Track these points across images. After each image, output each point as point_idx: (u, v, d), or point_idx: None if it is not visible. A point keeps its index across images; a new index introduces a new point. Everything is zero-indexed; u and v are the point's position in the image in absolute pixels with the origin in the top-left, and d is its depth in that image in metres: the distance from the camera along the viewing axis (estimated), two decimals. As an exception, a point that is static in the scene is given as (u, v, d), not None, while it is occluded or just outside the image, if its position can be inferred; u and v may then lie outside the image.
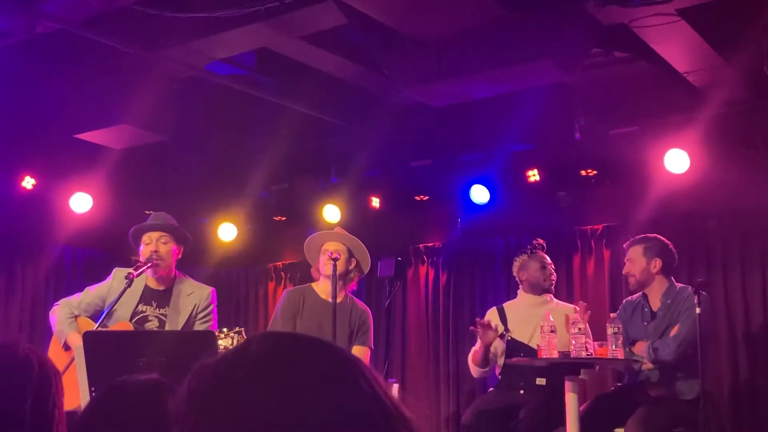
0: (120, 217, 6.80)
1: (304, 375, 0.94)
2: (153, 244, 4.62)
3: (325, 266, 4.78)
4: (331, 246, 4.85)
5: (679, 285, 4.80)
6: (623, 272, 4.93)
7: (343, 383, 0.94)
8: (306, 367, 0.95)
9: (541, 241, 5.22)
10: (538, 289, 5.12)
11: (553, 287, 5.16)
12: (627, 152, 5.85)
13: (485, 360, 4.97)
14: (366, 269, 4.96)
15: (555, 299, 5.19)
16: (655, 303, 4.79)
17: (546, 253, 5.19)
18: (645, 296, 4.86)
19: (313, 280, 5.07)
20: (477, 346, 4.98)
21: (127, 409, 1.53)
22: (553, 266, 5.17)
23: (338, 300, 4.65)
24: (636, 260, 4.81)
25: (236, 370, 0.95)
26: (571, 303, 5.53)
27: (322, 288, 4.82)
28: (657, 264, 4.79)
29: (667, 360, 4.55)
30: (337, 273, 4.67)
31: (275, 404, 0.91)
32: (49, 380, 1.85)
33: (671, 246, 4.82)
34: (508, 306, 5.22)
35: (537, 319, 4.81)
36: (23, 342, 1.90)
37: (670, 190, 5.72)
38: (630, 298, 5.04)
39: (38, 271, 6.99)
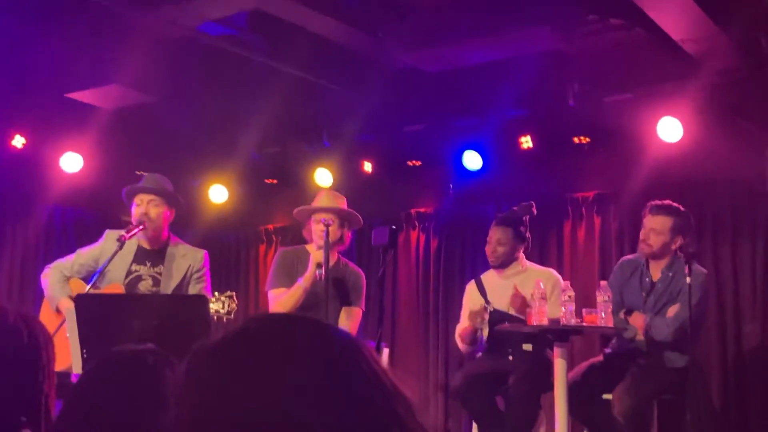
0: (110, 177, 6.78)
1: (304, 358, 0.94)
2: (144, 206, 4.62)
3: (318, 237, 4.75)
4: (323, 215, 4.82)
5: (681, 255, 4.62)
6: (640, 238, 4.71)
7: (343, 365, 0.94)
8: (306, 350, 0.94)
9: (504, 214, 5.17)
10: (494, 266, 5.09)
11: (499, 262, 5.06)
12: (620, 120, 5.84)
13: (473, 338, 5.01)
14: (356, 225, 4.95)
15: (530, 264, 5.16)
16: (656, 273, 4.72)
17: (522, 220, 5.11)
18: (647, 263, 4.78)
19: (305, 242, 5.06)
20: (465, 326, 5.00)
21: (123, 379, 1.53)
22: (500, 243, 5.05)
23: (331, 263, 4.64)
24: (661, 233, 4.63)
25: (234, 352, 0.95)
26: (560, 270, 5.56)
27: (312, 250, 4.80)
28: (678, 242, 4.64)
29: (665, 340, 4.54)
30: (331, 241, 4.66)
31: (274, 387, 0.91)
32: (38, 352, 1.83)
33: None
34: (485, 277, 5.23)
35: (509, 289, 4.86)
36: (13, 309, 1.88)
37: (662, 159, 5.73)
38: (627, 257, 4.98)
39: (28, 230, 6.96)
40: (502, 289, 5.01)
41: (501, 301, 4.99)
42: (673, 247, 4.67)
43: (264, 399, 0.90)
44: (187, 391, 0.95)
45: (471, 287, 5.22)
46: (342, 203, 4.90)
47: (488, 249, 5.12)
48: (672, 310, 4.58)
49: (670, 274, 4.66)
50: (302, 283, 4.65)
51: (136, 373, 1.57)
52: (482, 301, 5.06)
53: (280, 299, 4.72)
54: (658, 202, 4.75)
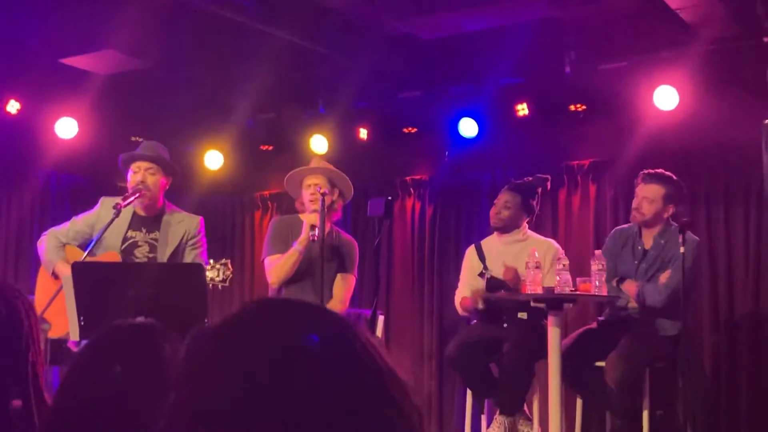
0: (106, 143, 6.77)
1: (299, 342, 0.95)
2: (140, 173, 4.62)
3: (309, 201, 4.78)
4: (311, 180, 4.83)
5: (674, 225, 4.73)
6: (633, 206, 4.77)
7: (337, 349, 0.96)
8: (300, 335, 0.96)
9: (518, 181, 5.19)
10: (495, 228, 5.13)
11: (501, 224, 5.09)
12: (617, 88, 5.83)
13: (473, 310, 5.05)
14: (349, 196, 4.97)
15: (531, 233, 5.19)
16: (648, 241, 4.77)
17: (535, 192, 5.15)
18: (639, 230, 4.84)
19: (297, 212, 5.07)
20: (466, 299, 5.02)
21: (122, 353, 1.54)
22: (507, 206, 5.07)
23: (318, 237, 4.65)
24: (654, 201, 4.68)
25: (232, 336, 0.96)
26: (555, 238, 5.59)
27: (309, 220, 4.81)
28: (670, 210, 4.71)
29: (656, 306, 4.59)
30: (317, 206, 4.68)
31: (271, 371, 0.92)
32: (19, 322, 1.83)
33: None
34: (485, 243, 5.25)
35: (509, 257, 4.88)
36: None
37: (658, 127, 5.73)
38: (621, 227, 5.02)
39: (23, 196, 6.96)
40: (501, 255, 5.02)
41: (498, 268, 5.01)
42: (666, 215, 4.71)
43: (260, 384, 0.92)
44: (186, 375, 0.96)
45: (471, 252, 5.24)
46: (330, 173, 4.91)
47: (492, 211, 5.14)
48: (664, 277, 4.62)
49: (662, 242, 4.70)
50: (297, 246, 4.67)
51: (134, 347, 1.59)
52: (481, 266, 5.09)
53: (277, 264, 4.74)
54: (651, 170, 4.79)
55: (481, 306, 4.92)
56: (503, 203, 5.09)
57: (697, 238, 4.74)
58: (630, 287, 4.65)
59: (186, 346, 0.99)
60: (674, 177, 4.75)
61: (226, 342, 0.96)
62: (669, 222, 4.74)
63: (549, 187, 5.31)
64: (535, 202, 5.15)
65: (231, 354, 0.95)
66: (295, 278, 4.74)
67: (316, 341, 0.91)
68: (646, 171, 4.79)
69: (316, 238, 4.56)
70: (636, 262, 4.76)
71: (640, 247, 4.78)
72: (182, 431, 0.93)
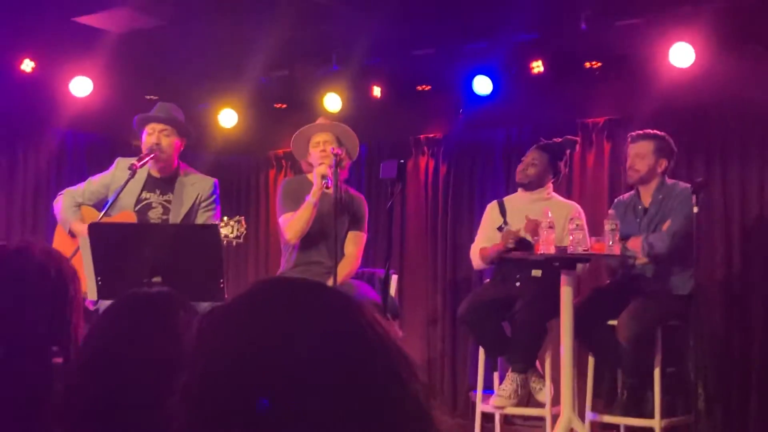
0: (120, 101, 6.78)
1: (308, 322, 0.97)
2: (155, 135, 4.64)
3: (318, 159, 4.77)
4: (319, 137, 4.82)
5: (670, 181, 4.85)
6: (627, 165, 4.90)
7: (346, 329, 0.98)
8: (311, 313, 0.98)
9: (548, 141, 5.20)
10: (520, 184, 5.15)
11: (527, 180, 5.11)
12: (632, 45, 5.79)
13: (496, 259, 5.03)
14: (355, 154, 4.95)
15: (555, 195, 5.21)
16: (647, 199, 4.86)
17: (563, 153, 5.17)
18: (637, 193, 4.91)
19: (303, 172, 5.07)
20: (493, 246, 5.01)
21: (139, 321, 1.58)
22: (534, 163, 5.09)
23: (332, 191, 4.66)
24: (646, 156, 4.81)
25: (243, 316, 0.99)
26: (569, 197, 5.59)
27: (319, 171, 4.75)
28: (663, 164, 4.82)
29: (661, 253, 4.63)
30: (331, 164, 4.68)
31: (279, 351, 0.94)
32: (65, 286, 1.90)
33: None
34: (508, 200, 5.27)
35: (534, 214, 4.87)
36: (39, 245, 1.94)
37: (674, 84, 5.69)
38: (621, 197, 5.09)
39: (40, 154, 6.99)
40: (522, 213, 5.03)
41: (519, 225, 5.02)
42: (659, 169, 4.83)
43: (268, 363, 0.94)
44: (198, 353, 0.99)
45: (492, 207, 5.26)
46: (336, 129, 4.90)
47: (519, 167, 5.17)
48: (665, 225, 4.68)
49: (660, 197, 4.80)
50: (311, 198, 4.67)
51: (151, 313, 1.62)
52: (501, 220, 5.10)
53: (293, 219, 4.75)
54: (638, 131, 4.93)
55: (511, 245, 4.85)
56: (530, 160, 5.12)
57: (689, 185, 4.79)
58: (635, 243, 4.68)
59: (197, 325, 1.02)
60: (660, 133, 4.88)
61: (235, 322, 0.99)
62: (664, 177, 4.85)
63: (578, 149, 5.36)
64: (562, 164, 5.18)
65: (241, 334, 0.97)
66: (308, 238, 4.76)
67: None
68: (632, 133, 4.96)
69: (330, 187, 4.55)
70: (638, 220, 4.82)
71: (640, 207, 4.87)
72: (193, 409, 0.96)
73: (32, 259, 1.88)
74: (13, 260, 1.89)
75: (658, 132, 4.90)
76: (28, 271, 1.87)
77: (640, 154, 4.82)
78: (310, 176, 4.90)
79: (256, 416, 0.91)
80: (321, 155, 4.74)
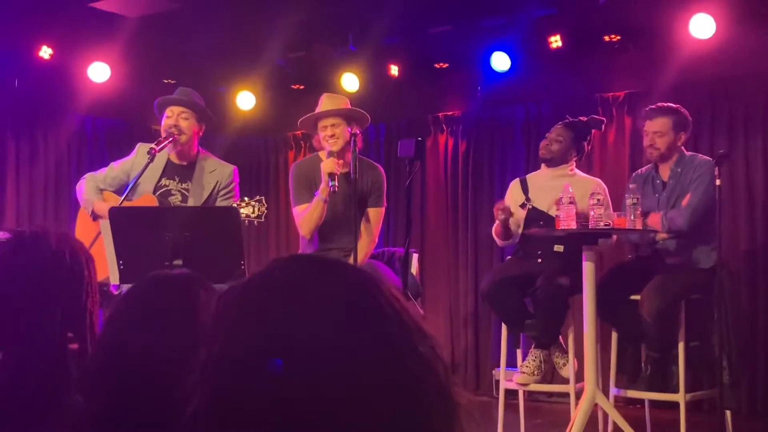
0: (138, 86, 6.81)
1: (325, 300, 0.97)
2: (174, 118, 4.64)
3: (326, 142, 4.73)
4: (327, 121, 4.76)
5: (689, 153, 4.80)
6: (646, 143, 4.80)
7: (363, 305, 0.97)
8: (328, 291, 0.97)
9: (573, 120, 5.15)
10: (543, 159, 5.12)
11: (549, 156, 5.03)
12: (651, 17, 5.72)
13: (506, 234, 5.03)
14: (366, 124, 4.90)
15: (578, 172, 5.17)
16: (666, 173, 4.79)
17: (587, 131, 5.12)
18: (656, 167, 4.85)
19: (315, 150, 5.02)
20: (496, 223, 5.03)
21: (160, 302, 1.59)
22: (558, 139, 5.05)
23: (344, 170, 4.64)
24: (665, 133, 4.72)
25: (260, 295, 0.99)
26: (589, 172, 5.55)
27: (327, 168, 4.64)
28: (682, 138, 4.77)
29: (681, 229, 4.60)
30: (341, 146, 4.67)
31: (298, 329, 0.94)
32: (81, 272, 1.90)
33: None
34: (530, 177, 5.24)
35: (557, 191, 4.82)
36: (55, 230, 1.95)
37: (694, 56, 5.63)
38: (639, 171, 5.03)
39: (60, 139, 7.04)
40: (545, 190, 4.99)
41: (542, 202, 4.99)
42: (679, 143, 4.77)
43: (286, 341, 0.94)
44: (216, 330, 0.99)
45: (515, 184, 5.23)
46: (344, 104, 4.86)
47: (543, 143, 5.11)
48: (684, 200, 4.63)
49: (679, 170, 4.74)
50: (319, 196, 4.64)
51: (172, 294, 1.63)
52: (523, 198, 5.08)
53: (304, 217, 4.72)
54: (653, 106, 4.83)
55: (502, 217, 4.84)
56: (555, 136, 5.07)
57: (709, 158, 4.75)
58: (655, 219, 4.65)
59: (216, 303, 1.02)
60: (675, 106, 4.80)
61: (252, 299, 0.99)
62: (682, 151, 4.79)
63: (603, 129, 5.30)
64: (586, 143, 5.13)
65: (258, 311, 0.97)
66: (325, 226, 4.74)
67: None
68: (648, 108, 4.86)
69: (335, 189, 4.52)
70: (656, 195, 4.77)
71: (659, 182, 4.82)
72: (212, 386, 0.96)
73: (48, 245, 1.89)
74: (29, 246, 1.90)
75: (673, 105, 4.81)
76: (43, 258, 1.88)
77: (659, 131, 4.73)
78: (321, 154, 4.86)
79: (274, 392, 0.91)
80: (329, 139, 4.69)
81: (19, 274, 1.86)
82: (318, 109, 4.83)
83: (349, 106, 4.85)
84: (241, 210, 4.16)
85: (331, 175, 4.54)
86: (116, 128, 7.30)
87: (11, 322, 1.84)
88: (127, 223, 3.84)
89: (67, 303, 1.87)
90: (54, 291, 1.86)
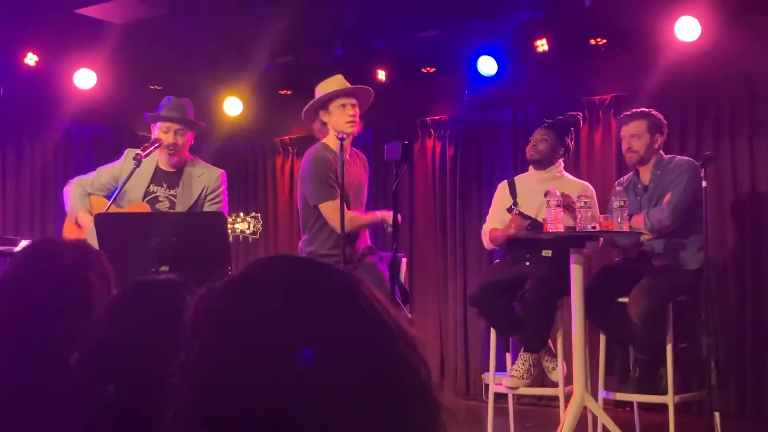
0: (124, 92, 6.79)
1: (305, 301, 0.96)
2: (171, 135, 4.65)
3: (348, 123, 4.67)
4: (346, 100, 4.74)
5: (667, 156, 4.84)
6: (624, 148, 4.87)
7: (344, 306, 0.97)
8: (307, 292, 0.97)
9: (552, 120, 5.17)
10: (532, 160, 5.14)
11: (538, 156, 5.06)
12: (637, 20, 5.74)
13: (505, 242, 5.03)
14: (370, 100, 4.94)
15: (566, 174, 5.18)
16: (646, 177, 4.85)
17: (568, 129, 5.15)
18: (636, 173, 4.91)
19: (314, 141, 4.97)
20: (503, 231, 5.00)
21: (146, 307, 1.58)
22: (543, 138, 5.07)
23: (348, 155, 4.65)
24: (641, 135, 4.80)
25: (238, 296, 0.98)
26: (577, 175, 5.56)
27: (335, 145, 4.56)
28: (659, 140, 4.82)
29: (664, 226, 4.62)
30: (358, 131, 4.75)
31: (277, 330, 0.93)
32: (90, 281, 1.89)
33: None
34: (518, 179, 5.25)
35: (541, 194, 4.84)
36: (70, 243, 1.94)
37: (679, 59, 5.65)
38: (620, 180, 5.09)
39: (46, 146, 7.02)
40: (533, 193, 5.00)
41: (529, 205, 4.99)
42: (656, 146, 4.82)
43: (265, 342, 0.93)
44: (194, 333, 0.98)
45: (502, 187, 5.24)
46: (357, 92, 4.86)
47: (529, 146, 5.14)
48: (665, 199, 4.67)
49: (658, 172, 4.80)
50: (375, 219, 4.74)
51: (159, 299, 1.62)
52: (511, 201, 5.09)
53: (349, 220, 4.55)
54: (627, 112, 4.94)
55: (521, 233, 4.87)
56: (539, 137, 5.10)
57: (688, 158, 4.83)
58: (638, 220, 4.68)
59: (194, 304, 1.01)
60: (647, 110, 4.88)
61: (231, 300, 0.98)
62: (661, 154, 4.84)
63: (582, 124, 5.33)
64: (569, 139, 5.15)
65: (236, 312, 0.96)
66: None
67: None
68: (622, 114, 4.99)
69: (390, 230, 4.50)
70: (638, 198, 4.82)
71: (640, 186, 4.87)
72: (192, 388, 0.95)
73: (62, 256, 1.89)
74: (43, 257, 1.90)
75: (646, 109, 4.89)
76: (57, 270, 1.87)
77: (635, 134, 4.81)
78: (330, 144, 4.71)
79: (254, 392, 0.90)
80: (350, 120, 4.66)
81: (30, 284, 1.86)
82: (332, 87, 4.75)
83: None
84: (236, 225, 4.16)
85: (389, 225, 4.55)
86: (103, 135, 7.28)
87: (22, 327, 1.84)
88: (113, 229, 3.83)
89: (76, 316, 1.86)
90: (64, 303, 1.85)
